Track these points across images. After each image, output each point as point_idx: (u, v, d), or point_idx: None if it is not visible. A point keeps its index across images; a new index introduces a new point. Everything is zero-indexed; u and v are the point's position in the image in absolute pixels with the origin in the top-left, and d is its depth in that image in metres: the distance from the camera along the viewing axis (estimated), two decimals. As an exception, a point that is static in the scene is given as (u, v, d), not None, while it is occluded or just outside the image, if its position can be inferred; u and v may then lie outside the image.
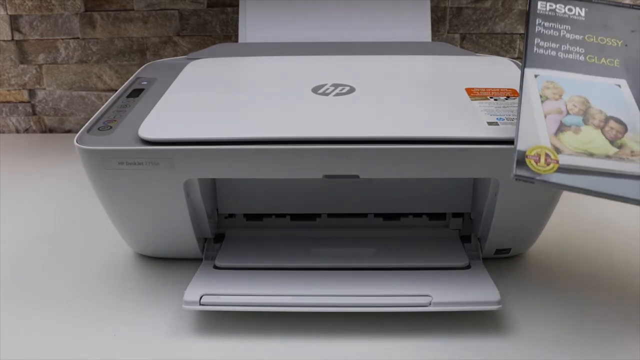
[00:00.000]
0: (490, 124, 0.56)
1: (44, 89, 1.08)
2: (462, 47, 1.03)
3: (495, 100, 0.60)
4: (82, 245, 0.71)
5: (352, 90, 0.63)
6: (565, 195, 0.59)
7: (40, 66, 1.07)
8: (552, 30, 0.56)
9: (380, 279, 0.59)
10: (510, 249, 0.66)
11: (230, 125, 0.57)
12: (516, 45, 1.03)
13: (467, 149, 0.54)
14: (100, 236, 0.72)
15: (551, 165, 0.51)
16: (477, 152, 0.54)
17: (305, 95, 0.62)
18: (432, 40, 0.85)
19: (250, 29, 0.85)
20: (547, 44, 0.56)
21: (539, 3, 0.57)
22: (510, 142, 0.54)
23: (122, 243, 0.67)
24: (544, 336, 0.55)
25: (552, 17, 0.56)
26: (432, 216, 0.69)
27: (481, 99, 0.61)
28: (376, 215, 0.69)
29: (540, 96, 0.53)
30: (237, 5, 0.87)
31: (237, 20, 0.87)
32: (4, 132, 1.11)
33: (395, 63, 0.74)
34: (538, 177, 0.50)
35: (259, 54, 0.78)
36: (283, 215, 0.69)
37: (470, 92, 0.62)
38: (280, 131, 0.55)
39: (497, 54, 1.03)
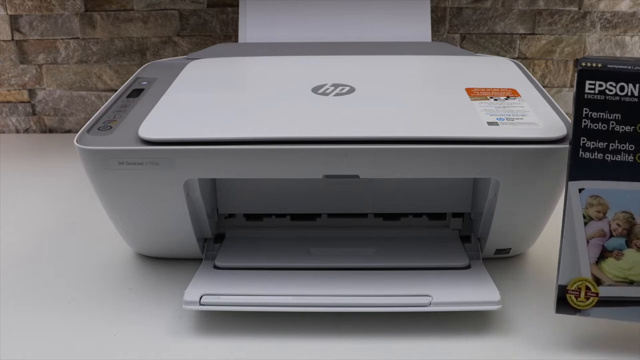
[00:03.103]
0: (490, 124, 0.56)
1: (44, 89, 1.08)
2: (462, 47, 1.03)
3: (495, 100, 0.60)
4: (82, 245, 0.71)
5: (352, 90, 0.63)
6: (565, 195, 0.59)
7: (40, 66, 1.07)
8: (600, 124, 0.49)
9: (380, 279, 0.59)
10: (510, 249, 0.66)
11: (230, 125, 0.57)
12: (516, 45, 1.03)
13: (467, 149, 0.54)
14: (100, 236, 0.72)
15: (591, 300, 0.52)
16: (477, 152, 0.54)
17: (305, 95, 0.62)
18: (432, 40, 0.85)
19: (250, 29, 0.85)
20: (594, 145, 0.50)
21: (587, 84, 0.49)
22: (510, 142, 0.54)
23: (122, 243, 0.67)
24: (544, 336, 0.55)
25: (602, 103, 0.49)
26: (432, 216, 0.69)
27: (481, 99, 0.61)
28: (376, 215, 0.69)
29: (584, 216, 0.51)
30: (237, 5, 0.87)
31: (237, 20, 0.87)
32: (4, 132, 1.10)
33: (395, 63, 0.74)
34: (578, 314, 0.53)
35: (259, 54, 0.78)
36: (283, 215, 0.69)
37: (470, 92, 0.62)
38: (280, 131, 0.55)
39: (497, 54, 1.03)
